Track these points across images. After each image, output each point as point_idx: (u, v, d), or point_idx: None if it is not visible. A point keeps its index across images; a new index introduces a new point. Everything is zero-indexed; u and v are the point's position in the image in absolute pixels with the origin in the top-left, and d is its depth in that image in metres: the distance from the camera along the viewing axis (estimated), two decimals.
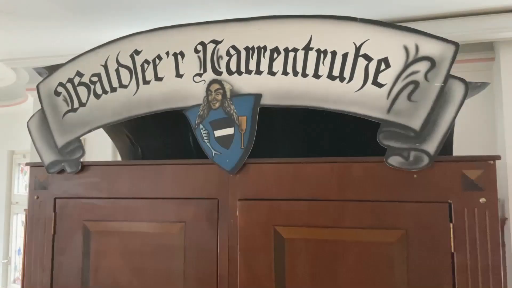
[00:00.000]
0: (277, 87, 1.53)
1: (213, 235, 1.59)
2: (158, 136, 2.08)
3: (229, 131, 1.58)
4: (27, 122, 1.82)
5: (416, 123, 1.38)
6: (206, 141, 1.60)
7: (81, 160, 1.75)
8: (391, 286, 1.39)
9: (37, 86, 1.81)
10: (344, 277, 1.44)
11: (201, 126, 1.61)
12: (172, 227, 1.64)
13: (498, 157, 1.34)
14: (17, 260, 3.50)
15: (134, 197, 1.68)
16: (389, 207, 1.42)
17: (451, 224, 1.35)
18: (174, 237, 1.62)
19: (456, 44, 1.37)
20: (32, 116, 1.82)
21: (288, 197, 1.52)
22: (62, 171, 1.76)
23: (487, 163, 1.34)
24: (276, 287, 1.49)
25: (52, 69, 1.83)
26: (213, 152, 1.59)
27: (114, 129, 2.10)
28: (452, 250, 1.35)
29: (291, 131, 1.75)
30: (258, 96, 1.55)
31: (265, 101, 1.54)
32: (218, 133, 1.60)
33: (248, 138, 1.55)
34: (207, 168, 1.61)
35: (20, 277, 3.48)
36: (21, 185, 3.55)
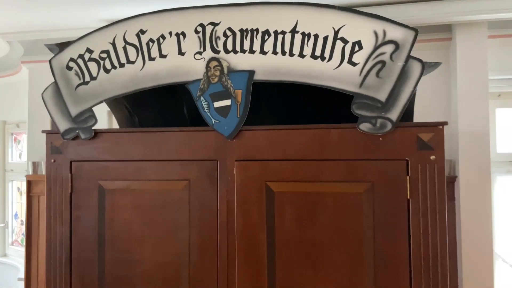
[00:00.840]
0: (268, 65, 1.80)
1: (213, 191, 1.88)
2: (154, 107, 2.31)
3: (227, 102, 1.85)
4: (42, 94, 2.02)
5: (382, 96, 1.69)
6: (206, 111, 1.87)
7: (94, 128, 1.98)
8: (360, 227, 1.74)
9: (50, 61, 2.01)
10: (323, 222, 1.77)
11: (202, 98, 1.87)
12: (177, 184, 1.91)
13: (445, 123, 1.67)
14: (14, 224, 3.70)
15: (143, 159, 1.94)
16: (359, 164, 1.74)
17: (407, 177, 1.70)
18: (179, 193, 1.91)
19: (416, 30, 1.67)
20: (46, 88, 2.02)
21: (277, 158, 1.82)
22: (76, 137, 1.99)
23: (437, 128, 1.67)
24: (267, 232, 1.81)
25: (62, 46, 2.02)
26: (213, 120, 1.86)
27: (114, 101, 2.31)
28: (408, 197, 1.70)
29: (281, 103, 2.03)
30: (251, 72, 1.81)
31: (258, 76, 1.81)
32: (217, 104, 1.86)
33: (243, 108, 1.82)
34: (208, 134, 1.88)
35: (18, 239, 3.69)
36: (15, 153, 3.70)
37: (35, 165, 3.09)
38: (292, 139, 1.81)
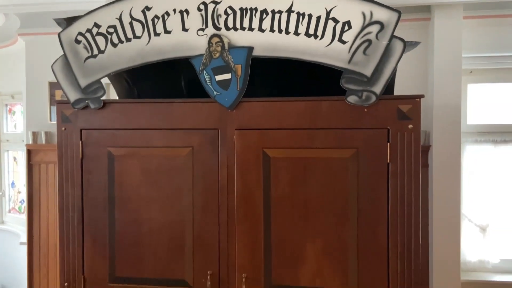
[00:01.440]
0: (266, 42, 1.97)
1: (215, 157, 2.08)
2: (152, 80, 2.46)
3: (227, 76, 2.02)
4: (52, 65, 2.14)
5: (368, 71, 1.89)
6: (208, 84, 2.04)
7: (102, 98, 2.13)
8: (347, 187, 1.97)
9: (59, 35, 2.12)
10: (313, 184, 1.99)
11: (204, 72, 2.03)
12: (182, 151, 2.10)
13: (422, 96, 1.90)
14: (11, 192, 3.82)
15: (150, 128, 2.11)
16: (346, 132, 1.96)
17: (388, 144, 1.93)
18: (184, 159, 2.10)
19: (399, 12, 1.87)
20: (56, 60, 2.14)
21: (273, 127, 2.02)
22: (86, 107, 2.13)
23: (414, 100, 1.89)
24: (263, 193, 2.03)
25: (70, 20, 2.13)
26: (215, 92, 2.04)
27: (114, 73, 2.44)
28: (388, 161, 1.93)
29: (278, 78, 2.21)
30: (250, 49, 1.98)
31: (256, 52, 1.98)
32: (219, 77, 2.03)
33: (243, 82, 2.00)
34: (210, 105, 2.06)
35: (15, 207, 3.82)
36: (10, 124, 3.77)
37: (34, 134, 3.20)
38: (287, 110, 2.01)
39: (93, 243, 2.16)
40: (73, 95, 2.14)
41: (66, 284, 2.17)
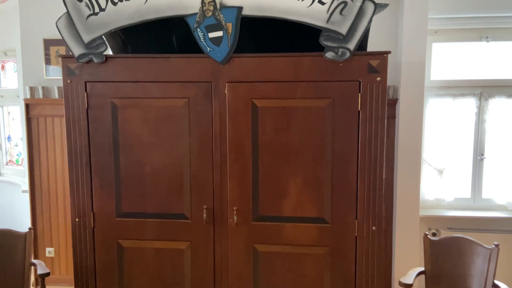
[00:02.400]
0: (254, 2, 2.20)
1: (208, 107, 2.35)
2: (145, 37, 2.66)
3: (219, 33, 2.26)
4: (56, 22, 2.31)
5: (343, 30, 2.16)
6: (202, 40, 2.27)
7: (104, 53, 2.34)
8: (323, 133, 2.28)
9: None
10: (295, 130, 2.30)
11: (198, 30, 2.26)
12: (179, 101, 2.36)
13: (389, 52, 2.20)
14: (8, 146, 3.99)
15: (149, 80, 2.35)
16: (324, 84, 2.26)
17: (359, 94, 2.24)
18: (181, 109, 2.36)
19: None
20: (60, 18, 2.31)
21: (260, 80, 2.29)
22: (89, 61, 2.34)
23: (382, 56, 2.19)
24: (252, 138, 2.32)
25: None
26: (208, 48, 2.27)
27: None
28: (359, 109, 2.25)
29: (264, 35, 2.46)
30: (240, 8, 2.21)
31: (245, 12, 2.21)
32: (211, 35, 2.27)
33: (233, 39, 2.25)
34: (204, 60, 2.30)
35: (13, 159, 4.01)
36: (3, 81, 3.88)
37: (32, 89, 3.36)
38: (273, 64, 2.27)
39: (101, 183, 2.44)
40: (77, 50, 2.33)
41: (77, 219, 2.47)
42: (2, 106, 3.94)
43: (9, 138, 3.99)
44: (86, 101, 2.39)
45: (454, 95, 3.22)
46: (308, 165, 2.33)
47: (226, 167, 2.37)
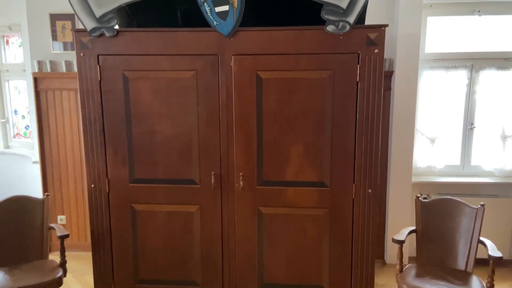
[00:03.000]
0: None
1: (215, 79, 2.48)
2: (151, 12, 2.76)
3: (225, 8, 2.37)
4: None
5: (344, 4, 2.29)
6: (209, 14, 2.38)
7: (116, 27, 2.44)
8: (324, 102, 2.44)
9: None
10: (297, 98, 2.45)
11: (205, 4, 2.37)
12: (187, 74, 2.49)
13: (386, 25, 2.33)
14: (15, 119, 4.09)
15: (159, 54, 2.47)
16: (325, 56, 2.40)
17: (358, 66, 2.39)
18: (189, 81, 2.49)
19: None
20: None
21: (265, 53, 2.42)
22: (101, 35, 2.45)
23: (380, 29, 2.33)
24: (256, 108, 2.47)
25: None
26: (215, 22, 2.39)
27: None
28: (357, 80, 2.40)
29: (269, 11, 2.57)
30: None
31: None
32: (218, 9, 2.38)
33: (239, 13, 2.36)
34: (211, 34, 2.42)
35: (20, 132, 4.12)
36: (8, 55, 3.94)
37: (40, 63, 3.45)
38: (276, 38, 2.40)
39: (114, 151, 2.59)
40: (89, 24, 2.44)
41: (93, 185, 2.63)
42: (8, 80, 4.02)
43: (15, 111, 4.09)
44: (99, 74, 2.51)
45: (447, 68, 3.36)
46: (309, 133, 2.49)
47: (233, 136, 2.52)
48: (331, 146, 2.49)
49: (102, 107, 2.56)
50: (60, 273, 2.44)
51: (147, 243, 2.68)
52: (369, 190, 2.51)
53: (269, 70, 2.45)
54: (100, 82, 2.53)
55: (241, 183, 2.54)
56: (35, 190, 3.73)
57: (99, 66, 2.51)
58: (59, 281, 2.42)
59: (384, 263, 3.54)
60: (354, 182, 2.51)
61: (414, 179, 3.41)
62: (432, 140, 3.45)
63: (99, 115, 2.56)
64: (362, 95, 2.43)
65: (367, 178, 2.50)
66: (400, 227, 3.17)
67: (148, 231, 2.67)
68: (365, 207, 2.53)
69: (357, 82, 2.41)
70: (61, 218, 3.66)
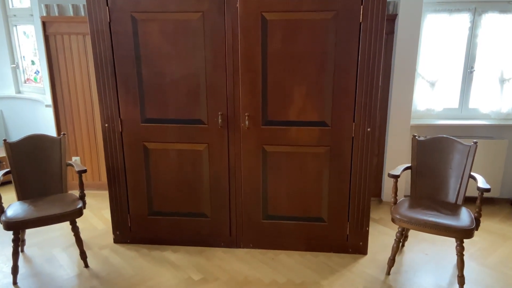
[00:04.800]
0: None
1: (221, 20, 2.55)
2: None
3: None
4: None
5: None
6: None
7: None
8: (327, 43, 2.52)
9: None
10: (301, 40, 2.52)
11: None
12: (194, 15, 2.55)
13: None
14: (24, 64, 4.18)
15: None
16: None
17: (361, 6, 2.44)
18: (196, 22, 2.56)
19: None
20: None
21: None
22: None
23: None
24: (261, 49, 2.55)
25: None
26: None
27: None
28: (361, 21, 2.47)
29: None
30: None
31: None
32: None
33: None
34: None
35: (31, 78, 4.23)
36: (15, 0, 3.96)
37: (47, 7, 3.48)
38: None
39: (126, 92, 2.72)
40: None
41: (106, 125, 2.78)
42: (16, 25, 4.06)
43: (24, 57, 4.17)
44: (108, 15, 2.58)
45: (450, 11, 3.38)
46: (312, 74, 2.59)
47: (239, 77, 2.63)
48: (333, 87, 2.60)
49: (112, 49, 2.65)
50: (81, 204, 2.65)
51: (159, 179, 2.87)
52: (368, 129, 2.64)
53: (274, 11, 2.51)
54: (109, 23, 2.60)
55: (247, 122, 2.68)
56: (50, 133, 3.90)
57: (108, 8, 2.57)
58: (80, 211, 2.63)
59: (380, 201, 3.76)
60: (354, 122, 2.64)
61: (413, 122, 3.54)
62: (432, 84, 3.54)
63: (110, 57, 2.66)
64: (364, 36, 2.50)
65: (367, 118, 2.63)
66: (397, 165, 3.35)
67: (159, 168, 2.85)
68: (363, 145, 2.68)
69: (360, 23, 2.48)
70: (76, 159, 3.86)
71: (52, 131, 3.83)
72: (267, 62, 2.59)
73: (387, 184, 3.65)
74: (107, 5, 2.57)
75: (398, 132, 3.51)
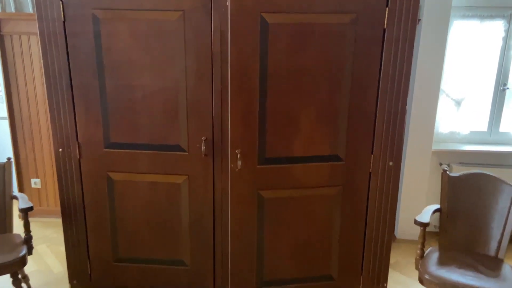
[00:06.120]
0: None
1: (207, 21, 1.99)
2: None
3: None
4: None
5: None
6: None
7: None
8: (343, 53, 1.97)
9: None
10: (311, 49, 1.95)
11: None
12: (172, 14, 2.00)
13: None
14: None
15: None
16: None
17: (386, 8, 1.91)
18: (174, 23, 2.00)
19: None
20: None
21: None
22: None
23: None
24: (260, 63, 1.96)
25: None
26: None
27: None
28: (385, 27, 1.93)
29: None
30: None
31: None
32: None
33: None
34: None
35: None
36: None
37: (2, 2, 2.91)
38: None
39: (85, 109, 2.15)
40: None
41: (60, 150, 2.21)
42: None
43: None
44: (62, 12, 2.02)
45: (482, 17, 2.86)
46: (323, 94, 2.03)
47: (227, 93, 2.08)
48: (349, 110, 2.05)
49: (68, 55, 2.08)
50: (24, 252, 2.08)
51: (126, 217, 2.31)
52: (390, 163, 2.10)
53: (278, 12, 1.94)
54: (64, 23, 2.04)
55: (239, 163, 2.05)
56: (5, 150, 3.32)
57: (62, 3, 2.01)
58: (22, 261, 2.06)
59: (394, 238, 3.21)
60: (372, 153, 2.10)
61: (435, 147, 3.00)
62: (458, 102, 3.01)
63: (65, 65, 2.09)
64: (389, 46, 1.96)
65: (389, 149, 2.09)
66: (415, 198, 2.83)
67: (127, 204, 2.28)
68: (383, 182, 2.14)
69: (384, 29, 1.94)
70: (35, 182, 3.27)
71: (7, 148, 3.24)
72: (267, 80, 2.00)
73: (403, 216, 3.09)
74: (61, 0, 2.00)
75: (417, 158, 2.97)
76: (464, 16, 2.89)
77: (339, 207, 2.17)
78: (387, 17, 1.92)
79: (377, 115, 2.05)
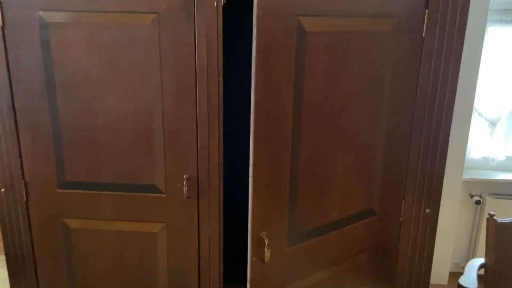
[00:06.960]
0: None
1: (189, 27, 1.52)
2: None
3: None
4: None
5: None
6: None
7: None
8: (381, 72, 1.50)
9: None
10: (350, 72, 1.47)
11: None
12: (143, 18, 1.52)
13: None
14: None
15: None
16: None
17: (426, 11, 1.44)
18: (146, 29, 1.53)
19: None
20: None
21: None
22: None
23: None
24: (294, 100, 1.39)
25: None
26: None
27: None
28: (423, 35, 1.46)
29: None
30: None
31: None
32: None
33: None
34: None
35: None
36: None
37: None
38: None
39: (32, 139, 1.66)
40: None
41: (3, 190, 1.73)
42: None
43: None
44: (0, 16, 1.54)
45: None
46: (361, 130, 1.53)
47: (217, 119, 1.60)
48: (384, 147, 1.58)
49: (8, 70, 1.60)
50: None
51: (88, 274, 1.82)
52: (427, 210, 1.63)
53: (315, 16, 1.36)
54: (3, 29, 1.56)
55: (267, 253, 1.39)
56: None
57: (1, 3, 1.53)
58: None
59: None
60: (404, 198, 1.63)
61: (465, 175, 2.53)
62: (493, 123, 2.54)
63: (4, 82, 1.61)
64: (428, 61, 1.50)
65: (425, 192, 1.62)
66: (445, 238, 2.36)
67: (89, 258, 1.80)
68: (417, 233, 1.66)
69: (423, 38, 1.47)
70: None
71: None
72: (302, 120, 1.42)
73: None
74: None
75: (445, 189, 2.48)
76: (502, 21, 2.43)
77: (368, 276, 1.69)
78: (426, 23, 1.45)
79: (410, 149, 1.59)
